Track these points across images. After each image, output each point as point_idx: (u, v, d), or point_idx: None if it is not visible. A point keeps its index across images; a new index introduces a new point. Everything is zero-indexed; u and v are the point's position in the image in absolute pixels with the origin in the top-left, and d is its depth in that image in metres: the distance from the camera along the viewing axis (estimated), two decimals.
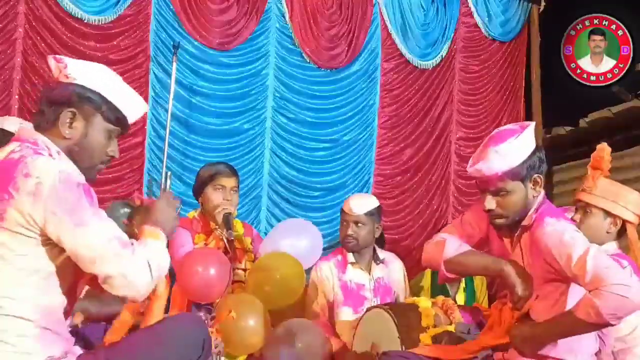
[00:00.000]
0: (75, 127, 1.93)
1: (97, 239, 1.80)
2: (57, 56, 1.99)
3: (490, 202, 2.38)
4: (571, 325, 2.24)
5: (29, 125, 2.52)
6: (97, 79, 1.97)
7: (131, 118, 2.05)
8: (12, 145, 1.90)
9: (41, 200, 1.76)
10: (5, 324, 1.80)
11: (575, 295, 2.32)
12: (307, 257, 3.54)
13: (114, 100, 1.98)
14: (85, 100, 1.93)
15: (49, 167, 1.81)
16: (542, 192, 2.44)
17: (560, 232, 2.29)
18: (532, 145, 2.38)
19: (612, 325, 2.22)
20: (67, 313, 1.97)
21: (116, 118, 1.99)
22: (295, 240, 3.50)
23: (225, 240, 3.25)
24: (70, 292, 1.93)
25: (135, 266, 1.82)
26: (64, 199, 1.78)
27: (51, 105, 1.92)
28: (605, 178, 2.86)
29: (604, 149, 2.85)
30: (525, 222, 2.41)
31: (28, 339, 1.82)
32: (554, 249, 2.27)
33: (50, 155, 1.87)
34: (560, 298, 2.37)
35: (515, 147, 2.33)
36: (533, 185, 2.39)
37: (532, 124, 2.41)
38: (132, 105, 2.05)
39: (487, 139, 2.39)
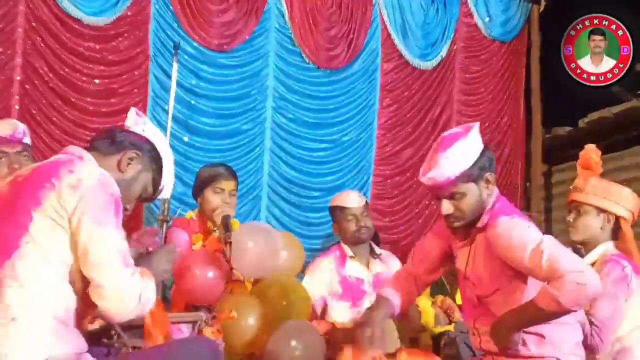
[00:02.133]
0: (131, 168, 2.14)
1: (107, 245, 1.88)
2: (139, 111, 2.26)
3: (447, 207, 2.40)
4: (535, 314, 2.26)
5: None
6: (162, 147, 2.25)
7: (163, 192, 2.29)
8: (59, 154, 2.08)
9: (79, 192, 1.89)
10: (26, 307, 1.84)
11: (534, 287, 2.34)
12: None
13: (164, 170, 2.24)
14: (149, 155, 2.19)
15: (91, 170, 1.98)
16: (496, 190, 2.46)
17: (511, 229, 2.32)
18: (479, 146, 2.40)
19: (574, 311, 2.25)
20: (83, 316, 2.00)
21: (157, 184, 2.23)
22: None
23: (224, 243, 3.26)
24: (88, 297, 1.96)
25: (128, 289, 1.90)
26: (97, 198, 1.91)
27: (123, 140, 2.15)
28: (596, 177, 2.88)
29: (592, 150, 2.89)
30: (479, 224, 2.42)
31: (45, 329, 1.85)
32: (508, 247, 2.30)
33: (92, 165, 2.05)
34: (520, 293, 2.38)
35: (463, 150, 2.36)
36: (485, 184, 2.41)
37: (476, 125, 2.44)
38: (168, 183, 2.29)
39: (435, 145, 2.43)
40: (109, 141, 2.14)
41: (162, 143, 2.27)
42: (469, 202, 2.38)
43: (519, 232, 2.30)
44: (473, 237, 2.45)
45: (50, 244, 1.88)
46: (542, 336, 2.38)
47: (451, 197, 2.38)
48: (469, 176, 2.36)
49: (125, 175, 2.12)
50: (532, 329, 2.37)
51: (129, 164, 2.13)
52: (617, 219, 2.85)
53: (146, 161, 2.17)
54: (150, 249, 2.27)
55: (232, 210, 3.44)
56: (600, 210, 2.84)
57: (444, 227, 2.55)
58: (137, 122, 2.22)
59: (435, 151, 2.40)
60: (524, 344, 2.38)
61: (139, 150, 2.15)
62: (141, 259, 2.15)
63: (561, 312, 2.21)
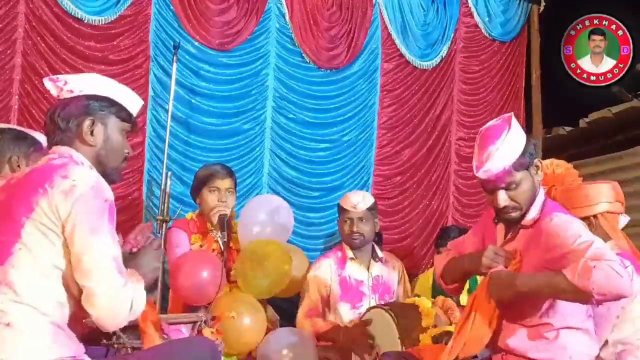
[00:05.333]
0: (97, 133, 2.06)
1: (100, 253, 1.87)
2: (51, 77, 2.11)
3: (504, 198, 2.41)
4: (553, 282, 2.21)
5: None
6: (99, 85, 2.11)
7: (135, 106, 2.18)
8: (51, 155, 2.02)
9: (72, 199, 1.86)
10: (21, 312, 1.84)
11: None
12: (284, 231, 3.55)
13: (119, 99, 2.12)
14: (98, 107, 2.07)
15: (86, 175, 1.93)
16: (543, 190, 2.48)
17: (570, 223, 2.33)
18: (523, 133, 2.44)
19: (587, 299, 2.16)
20: (79, 320, 2.00)
21: (126, 115, 2.13)
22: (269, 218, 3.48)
23: (220, 242, 3.25)
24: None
25: (121, 297, 1.88)
26: (90, 205, 1.88)
27: (69, 120, 2.04)
28: (560, 189, 2.84)
29: (551, 163, 2.86)
30: (524, 222, 2.43)
31: (41, 333, 1.85)
32: (559, 236, 2.29)
33: (84, 168, 1.99)
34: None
35: (512, 139, 2.39)
36: (535, 169, 2.45)
37: (512, 114, 2.47)
38: (133, 100, 2.18)
39: (480, 140, 2.42)
40: (59, 131, 2.03)
41: (91, 78, 2.13)
42: (525, 190, 2.40)
43: (578, 227, 2.31)
44: (515, 234, 2.46)
45: (43, 250, 1.87)
46: (556, 340, 2.37)
47: (507, 187, 2.40)
48: (522, 164, 2.39)
49: (98, 144, 2.06)
50: (548, 333, 2.37)
51: (91, 133, 2.04)
52: (596, 218, 2.80)
53: (101, 114, 2.07)
54: (135, 249, 2.17)
55: (229, 209, 3.44)
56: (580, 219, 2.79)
57: (485, 226, 2.58)
58: (58, 87, 2.07)
59: (483, 145, 2.40)
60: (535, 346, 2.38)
61: (87, 115, 2.05)
62: (128, 259, 2.09)
63: (580, 291, 2.13)
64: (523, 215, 2.45)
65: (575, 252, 2.21)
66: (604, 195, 2.82)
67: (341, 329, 3.36)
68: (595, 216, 2.80)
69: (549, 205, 2.45)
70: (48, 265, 1.88)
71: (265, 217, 3.48)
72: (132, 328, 2.40)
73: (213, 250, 3.36)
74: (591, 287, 2.11)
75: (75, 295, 1.93)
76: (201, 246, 3.38)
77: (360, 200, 3.69)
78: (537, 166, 2.45)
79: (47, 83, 2.09)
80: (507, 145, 2.37)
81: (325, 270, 3.64)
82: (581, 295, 2.17)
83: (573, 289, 2.15)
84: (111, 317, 1.88)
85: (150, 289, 2.14)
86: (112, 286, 1.86)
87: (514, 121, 2.43)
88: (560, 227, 2.32)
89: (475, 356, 2.56)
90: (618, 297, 2.18)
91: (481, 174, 2.39)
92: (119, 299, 1.87)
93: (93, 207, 1.88)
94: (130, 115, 2.14)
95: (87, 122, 2.04)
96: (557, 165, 2.89)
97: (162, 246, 2.23)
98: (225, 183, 3.48)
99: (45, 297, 1.87)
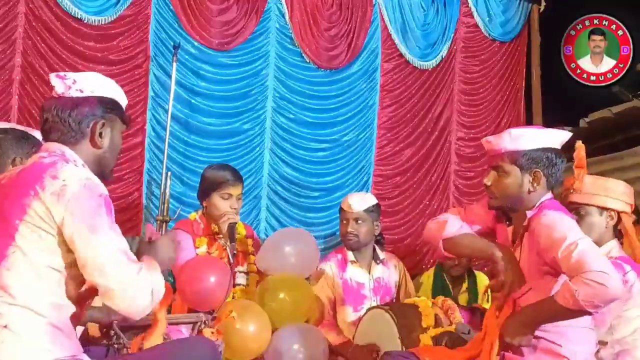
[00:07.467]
0: (105, 135, 2.06)
1: (107, 248, 1.85)
2: (59, 73, 2.08)
3: (489, 178, 2.49)
4: (553, 310, 2.27)
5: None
6: (106, 87, 2.10)
7: (123, 101, 2.18)
8: (41, 153, 2.00)
9: (64, 201, 1.84)
10: (17, 314, 1.84)
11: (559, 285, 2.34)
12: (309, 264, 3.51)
13: (121, 102, 2.13)
14: (109, 109, 2.07)
15: (76, 174, 1.91)
16: (549, 193, 2.47)
17: (556, 221, 2.34)
18: (546, 143, 2.44)
19: (589, 313, 2.23)
20: (77, 319, 1.99)
21: (127, 118, 2.15)
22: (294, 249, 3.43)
23: (229, 251, 3.24)
24: (81, 299, 1.96)
25: (138, 285, 1.87)
26: (85, 204, 1.85)
27: (81, 121, 2.01)
28: (590, 176, 2.87)
29: (583, 147, 2.89)
30: (525, 222, 2.44)
31: (39, 334, 1.85)
32: (548, 237, 2.31)
33: (76, 166, 1.97)
34: (548, 293, 2.38)
35: (528, 135, 2.44)
36: (532, 179, 2.43)
37: (564, 133, 2.52)
38: (125, 101, 2.18)
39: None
40: (69, 131, 2.00)
41: (98, 79, 2.10)
42: (507, 183, 2.44)
43: (564, 226, 2.32)
44: (521, 238, 2.47)
45: (38, 252, 1.86)
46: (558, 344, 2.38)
47: (495, 169, 2.46)
48: (515, 159, 2.42)
49: (104, 147, 2.06)
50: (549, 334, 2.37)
51: (100, 135, 2.04)
52: (619, 215, 2.82)
53: (110, 116, 2.07)
54: (153, 238, 2.16)
55: (238, 214, 3.43)
56: (603, 208, 2.82)
57: (495, 223, 2.61)
58: (66, 85, 2.03)
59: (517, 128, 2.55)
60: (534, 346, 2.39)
61: (99, 117, 2.04)
62: (145, 247, 2.10)
63: (576, 310, 2.19)
64: (507, 213, 2.52)
65: (563, 260, 2.24)
66: (626, 195, 2.85)
67: (351, 346, 3.34)
68: (620, 212, 2.81)
69: (544, 203, 2.44)
70: (43, 266, 1.87)
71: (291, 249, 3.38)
72: (134, 328, 2.40)
73: (221, 258, 3.32)
74: (584, 306, 2.17)
75: (73, 295, 1.93)
76: (209, 253, 3.36)
77: (356, 201, 3.68)
78: (535, 175, 2.43)
79: (54, 80, 2.05)
80: (518, 135, 2.43)
81: (327, 273, 3.63)
82: (579, 313, 2.23)
83: (569, 312, 2.22)
84: (133, 307, 1.87)
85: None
86: (127, 277, 1.85)
87: (554, 132, 2.51)
88: (549, 227, 2.33)
89: None
90: (612, 302, 2.23)
91: (483, 141, 2.53)
92: (136, 288, 1.86)
93: (88, 205, 1.86)
94: (128, 117, 2.15)
95: (98, 125, 2.03)
96: (584, 149, 2.90)
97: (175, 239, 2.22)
98: (237, 190, 3.44)
99: (41, 298, 1.86)
